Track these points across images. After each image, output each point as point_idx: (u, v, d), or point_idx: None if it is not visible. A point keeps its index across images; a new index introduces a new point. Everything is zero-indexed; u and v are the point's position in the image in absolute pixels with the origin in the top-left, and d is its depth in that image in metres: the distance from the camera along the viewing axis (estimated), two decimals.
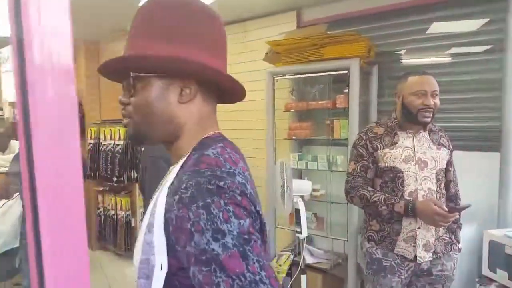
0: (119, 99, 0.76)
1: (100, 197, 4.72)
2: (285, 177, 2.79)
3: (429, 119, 1.90)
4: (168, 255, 0.65)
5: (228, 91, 0.81)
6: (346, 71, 2.86)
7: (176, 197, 0.63)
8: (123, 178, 4.33)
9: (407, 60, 3.05)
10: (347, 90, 2.91)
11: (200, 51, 0.72)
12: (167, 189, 0.68)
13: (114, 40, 4.61)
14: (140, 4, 0.78)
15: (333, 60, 2.88)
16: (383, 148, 1.97)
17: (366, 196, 1.94)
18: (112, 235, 4.54)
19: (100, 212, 4.72)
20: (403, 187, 1.90)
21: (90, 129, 4.68)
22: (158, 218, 0.66)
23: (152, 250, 0.65)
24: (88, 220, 5.05)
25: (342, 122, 3.00)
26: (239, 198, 0.63)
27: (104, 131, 4.47)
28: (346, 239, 2.93)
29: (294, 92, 3.38)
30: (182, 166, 0.71)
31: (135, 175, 4.31)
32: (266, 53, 3.29)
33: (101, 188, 4.66)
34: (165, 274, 0.65)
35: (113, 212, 4.51)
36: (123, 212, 4.42)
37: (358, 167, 2.04)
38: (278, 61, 3.22)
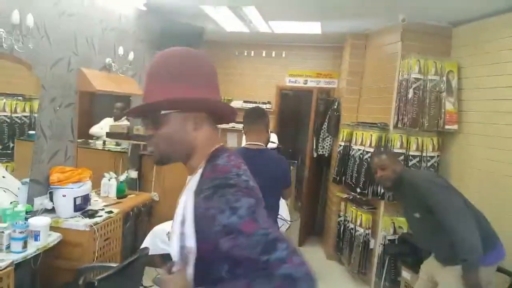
0: (146, 132, 1.00)
1: (342, 205, 4.37)
2: None
3: None
4: (197, 241, 0.87)
5: (222, 114, 1.04)
6: None
7: (202, 195, 0.88)
8: (367, 192, 3.78)
9: None
10: None
11: (206, 89, 0.96)
12: (192, 193, 0.90)
13: (380, 34, 4.09)
14: None
15: None
16: None
17: None
18: (349, 251, 4.10)
19: (341, 221, 4.37)
20: None
21: (343, 130, 4.37)
22: (189, 214, 0.89)
23: (185, 239, 0.88)
24: (328, 226, 4.82)
25: None
26: (245, 189, 0.88)
27: (356, 134, 4.05)
28: None
29: None
30: (201, 175, 0.94)
31: (382, 191, 3.68)
32: None
33: (344, 196, 4.30)
34: (195, 256, 0.87)
35: (352, 226, 4.06)
36: (362, 230, 3.89)
37: None
38: None
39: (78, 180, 2.70)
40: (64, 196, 2.58)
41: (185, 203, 0.91)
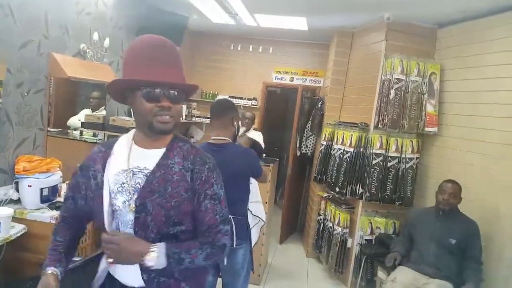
0: (168, 105, 1.15)
1: (323, 204, 4.34)
2: None
3: None
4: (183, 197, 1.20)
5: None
6: None
7: (206, 166, 1.23)
8: (346, 191, 3.75)
9: None
10: None
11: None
12: (181, 159, 1.23)
13: (366, 32, 4.05)
14: None
15: None
16: None
17: None
18: (327, 249, 4.07)
19: (320, 219, 4.34)
20: None
21: (326, 130, 4.34)
22: (177, 173, 1.21)
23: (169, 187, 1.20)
24: (308, 225, 4.79)
25: None
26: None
27: (338, 133, 4.02)
28: None
29: None
30: (178, 149, 1.25)
31: (360, 190, 3.65)
32: None
33: (325, 195, 4.27)
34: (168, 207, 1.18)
35: (331, 224, 4.03)
36: (340, 229, 3.86)
37: None
38: None
39: (46, 170, 2.59)
40: (29, 186, 2.47)
41: (165, 164, 1.20)
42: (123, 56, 1.22)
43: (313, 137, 4.88)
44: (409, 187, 3.59)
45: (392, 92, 3.49)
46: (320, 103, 4.69)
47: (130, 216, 1.18)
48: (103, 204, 1.19)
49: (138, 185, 1.18)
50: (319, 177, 4.33)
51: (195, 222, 1.22)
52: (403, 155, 3.59)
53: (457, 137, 3.28)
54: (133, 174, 1.19)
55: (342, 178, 3.81)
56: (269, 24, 4.54)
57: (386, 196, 3.61)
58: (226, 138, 2.17)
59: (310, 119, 4.84)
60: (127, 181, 1.18)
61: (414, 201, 3.62)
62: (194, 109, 5.67)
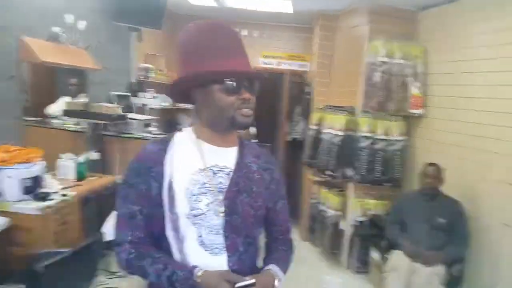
0: (249, 97, 1.06)
1: (315, 188, 4.43)
2: None
3: None
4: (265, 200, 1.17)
5: None
6: None
7: (276, 165, 1.24)
8: (337, 174, 3.83)
9: None
10: None
11: None
12: (260, 162, 1.19)
13: (349, 15, 4.05)
14: None
15: None
16: None
17: None
18: (321, 232, 4.18)
19: (313, 203, 4.44)
20: None
21: (315, 114, 4.38)
22: (257, 178, 1.16)
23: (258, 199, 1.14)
24: (302, 209, 4.89)
25: None
26: None
27: (326, 117, 4.07)
28: None
29: None
30: (252, 149, 1.20)
31: (351, 173, 3.73)
32: None
33: (316, 178, 4.35)
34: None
35: (324, 208, 4.13)
36: (333, 212, 3.96)
37: None
38: None
39: (26, 160, 2.50)
40: (9, 177, 2.38)
41: (247, 167, 1.13)
42: (181, 47, 1.07)
43: (303, 122, 4.92)
44: (398, 169, 3.67)
45: (378, 75, 3.53)
46: (309, 87, 4.72)
47: (218, 220, 1.05)
48: (176, 209, 1.03)
49: (221, 185, 1.08)
50: (310, 161, 4.40)
51: (265, 223, 1.21)
52: (391, 138, 3.66)
53: (442, 118, 3.36)
54: (214, 173, 1.08)
55: (333, 162, 3.88)
56: (253, 5, 4.48)
57: (376, 178, 3.69)
58: None
59: (299, 104, 4.87)
60: (208, 181, 1.06)
61: (403, 182, 3.72)
62: None
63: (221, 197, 1.06)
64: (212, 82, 1.02)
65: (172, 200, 1.03)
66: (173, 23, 5.38)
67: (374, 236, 3.48)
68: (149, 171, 1.05)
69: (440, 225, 2.80)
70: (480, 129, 2.91)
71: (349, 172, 3.77)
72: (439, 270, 2.68)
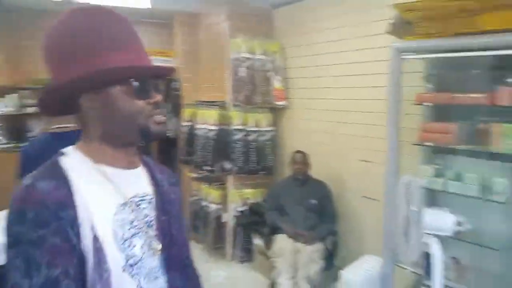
0: (159, 101, 0.84)
1: (195, 184, 4.44)
2: (413, 205, 1.98)
3: None
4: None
5: None
6: None
7: (177, 185, 1.02)
8: (215, 168, 3.92)
9: None
10: None
11: None
12: (167, 183, 0.98)
13: (211, 13, 4.10)
14: None
15: (492, 33, 1.92)
16: None
17: None
18: (204, 228, 4.23)
19: (194, 200, 4.45)
20: None
21: (186, 110, 4.36)
22: (172, 202, 0.96)
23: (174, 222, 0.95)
24: (183, 207, 4.85)
25: (507, 128, 2.02)
26: None
27: (199, 113, 4.10)
28: None
29: (431, 78, 2.43)
30: (152, 166, 0.97)
31: (229, 166, 3.86)
32: (392, 23, 2.38)
33: (195, 175, 4.36)
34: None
35: (205, 203, 4.18)
36: (214, 206, 4.05)
37: None
38: (409, 34, 2.29)
39: None
40: None
41: (160, 193, 0.92)
42: (60, 42, 0.78)
43: (174, 118, 4.85)
44: (270, 157, 3.95)
45: (243, 70, 3.69)
46: (176, 83, 4.66)
47: (154, 261, 0.85)
48: (108, 263, 0.75)
49: (148, 218, 0.86)
50: (187, 158, 4.38)
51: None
52: (261, 129, 3.90)
53: (303, 108, 3.71)
54: (137, 206, 0.85)
55: (210, 156, 3.94)
56: (108, 1, 4.13)
57: (252, 168, 3.90)
58: (72, 125, 1.70)
59: (168, 100, 4.77)
60: (135, 217, 0.83)
61: (275, 169, 4.01)
62: (27, 98, 4.54)
63: (151, 232, 0.86)
64: (113, 83, 0.78)
65: (99, 252, 0.74)
66: (11, 17, 4.62)
67: (255, 224, 3.68)
68: (57, 217, 0.70)
69: (313, 206, 3.12)
70: (337, 115, 3.32)
71: (227, 165, 3.90)
72: (319, 246, 2.99)
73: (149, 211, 0.87)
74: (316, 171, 3.32)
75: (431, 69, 2.46)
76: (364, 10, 2.97)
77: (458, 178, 2.24)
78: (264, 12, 3.89)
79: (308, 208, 3.11)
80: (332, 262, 3.06)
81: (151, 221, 0.86)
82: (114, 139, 0.83)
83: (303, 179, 3.21)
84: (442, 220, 1.96)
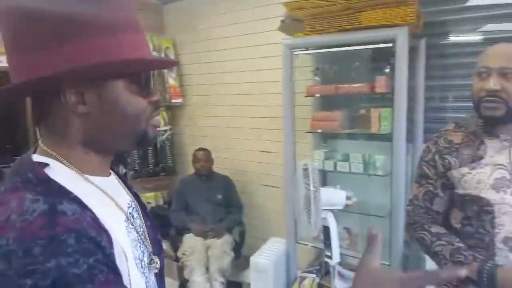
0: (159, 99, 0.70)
1: None
2: (311, 186, 2.13)
3: (496, 113, 1.21)
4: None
5: None
6: (390, 44, 2.15)
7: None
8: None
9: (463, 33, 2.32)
10: (388, 70, 2.26)
11: None
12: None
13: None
14: None
15: (372, 29, 2.17)
16: (461, 166, 1.29)
17: (426, 241, 1.31)
18: None
19: None
20: (494, 228, 1.22)
21: None
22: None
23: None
24: None
25: (384, 112, 2.32)
26: None
27: None
28: (389, 263, 2.30)
29: (319, 71, 2.66)
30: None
31: (124, 171, 3.66)
32: (282, 20, 2.55)
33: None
34: None
35: None
36: None
37: (421, 194, 1.38)
38: (299, 31, 2.47)
39: None
40: None
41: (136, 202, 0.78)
42: (37, 18, 0.54)
43: None
44: (169, 157, 3.85)
45: None
46: None
47: (151, 276, 0.72)
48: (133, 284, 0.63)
49: (142, 229, 0.73)
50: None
51: None
52: (158, 129, 3.77)
53: (201, 105, 3.71)
54: (133, 218, 0.71)
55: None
56: None
57: (150, 170, 3.76)
58: None
59: None
60: (137, 232, 0.70)
61: (176, 169, 3.93)
62: None
63: (148, 246, 0.73)
64: (115, 76, 0.61)
65: (130, 280, 0.62)
66: None
67: (160, 227, 3.55)
68: (98, 244, 0.55)
69: (219, 201, 3.15)
70: (236, 110, 3.40)
71: (122, 170, 3.68)
72: (228, 238, 3.03)
73: (140, 221, 0.74)
74: (219, 166, 3.36)
75: (319, 63, 2.70)
76: (257, 6, 3.09)
77: (345, 158, 2.49)
78: (155, 7, 3.79)
79: (215, 203, 3.13)
80: (240, 251, 3.13)
81: (143, 231, 0.74)
82: (103, 145, 0.66)
83: (207, 175, 3.22)
84: (335, 196, 2.16)
